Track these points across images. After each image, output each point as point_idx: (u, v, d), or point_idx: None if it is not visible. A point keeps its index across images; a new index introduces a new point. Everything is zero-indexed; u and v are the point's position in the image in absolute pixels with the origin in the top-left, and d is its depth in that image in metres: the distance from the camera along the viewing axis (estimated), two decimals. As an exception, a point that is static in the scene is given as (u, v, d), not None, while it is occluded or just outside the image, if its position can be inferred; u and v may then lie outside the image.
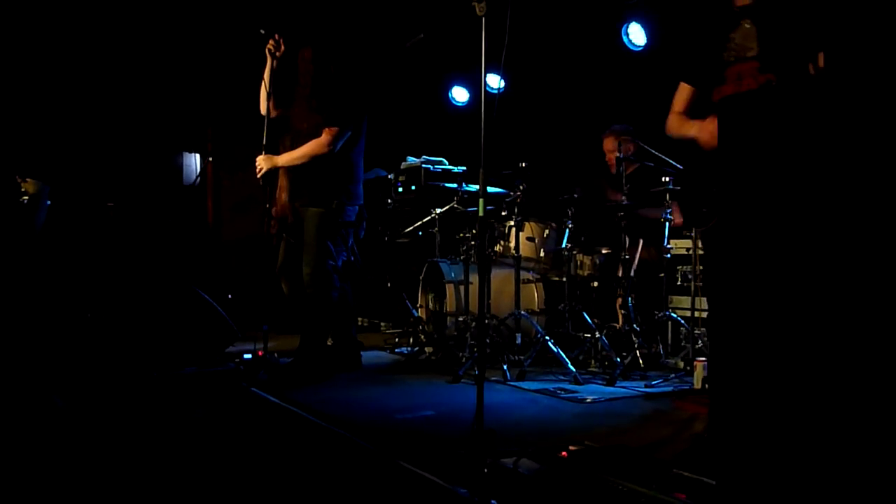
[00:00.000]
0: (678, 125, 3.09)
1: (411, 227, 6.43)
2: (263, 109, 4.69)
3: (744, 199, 2.30)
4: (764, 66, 2.78)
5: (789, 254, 2.09)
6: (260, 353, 4.58)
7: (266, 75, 4.61)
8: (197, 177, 8.30)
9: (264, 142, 4.55)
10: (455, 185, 5.67)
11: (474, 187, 5.46)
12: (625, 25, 5.73)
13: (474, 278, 5.20)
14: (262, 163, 4.58)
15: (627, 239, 4.83)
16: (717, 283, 2.49)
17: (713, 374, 2.38)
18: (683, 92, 3.13)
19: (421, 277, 5.92)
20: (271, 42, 4.56)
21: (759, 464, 2.00)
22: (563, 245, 5.03)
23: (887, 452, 1.74)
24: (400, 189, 6.91)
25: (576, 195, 5.06)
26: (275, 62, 4.59)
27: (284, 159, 4.56)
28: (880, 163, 1.95)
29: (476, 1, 2.72)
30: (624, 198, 4.77)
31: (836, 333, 1.91)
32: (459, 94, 7.78)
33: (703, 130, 2.93)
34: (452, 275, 5.49)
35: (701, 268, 4.69)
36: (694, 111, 3.10)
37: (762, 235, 2.21)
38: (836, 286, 1.92)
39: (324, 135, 4.49)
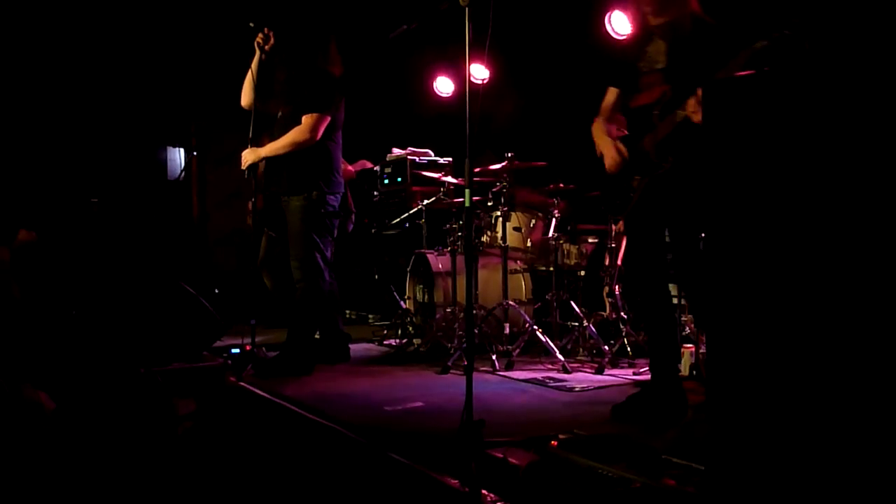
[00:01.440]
0: (599, 135, 3.42)
1: (398, 219, 6.42)
2: (244, 101, 4.68)
3: (734, 189, 2.31)
4: (668, 78, 3.12)
5: (782, 244, 2.10)
6: (248, 348, 4.57)
7: (253, 68, 4.58)
8: (181, 171, 8.25)
9: (250, 135, 4.53)
10: (441, 176, 5.66)
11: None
12: (609, 15, 5.72)
13: (462, 269, 5.21)
14: (247, 156, 4.56)
15: (614, 228, 4.85)
16: (710, 274, 2.52)
17: (711, 360, 2.40)
18: (611, 96, 3.45)
19: (408, 269, 5.92)
20: (260, 35, 4.54)
21: (750, 450, 2.02)
22: (550, 234, 5.04)
23: (879, 446, 1.76)
24: (386, 181, 6.90)
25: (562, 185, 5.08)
26: (263, 56, 4.57)
27: (267, 150, 4.55)
28: (869, 152, 1.97)
29: (460, -9, 2.72)
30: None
31: (831, 326, 1.92)
32: (444, 85, 7.76)
33: (607, 157, 3.33)
34: (440, 266, 5.49)
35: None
36: (614, 114, 3.45)
37: (754, 225, 2.22)
38: (831, 278, 1.93)
39: (303, 121, 4.46)
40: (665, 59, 3.16)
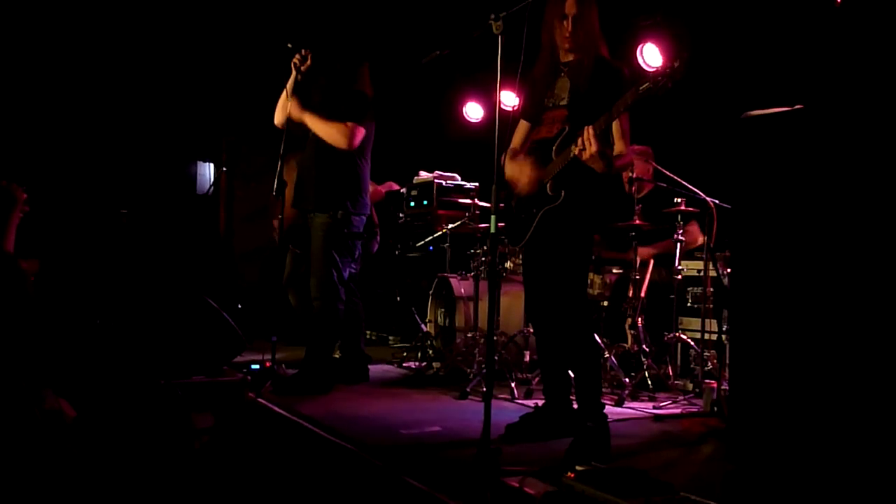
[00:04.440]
0: (509, 164, 3.46)
1: (422, 242, 6.43)
2: (278, 120, 4.71)
3: (769, 216, 2.31)
4: (569, 115, 3.25)
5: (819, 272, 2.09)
6: (268, 364, 4.58)
7: (289, 88, 4.61)
8: (210, 186, 8.34)
9: (281, 153, 4.55)
10: (467, 201, 5.67)
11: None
12: (640, 46, 5.73)
13: (484, 294, 5.20)
14: (293, 108, 4.55)
15: (638, 259, 4.82)
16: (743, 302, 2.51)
17: (733, 398, 2.39)
18: (521, 129, 3.56)
19: (431, 292, 5.92)
20: (297, 56, 4.58)
21: (770, 490, 1.99)
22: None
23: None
24: (412, 203, 6.92)
25: None
26: (299, 76, 4.60)
27: (311, 118, 4.52)
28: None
29: (493, 20, 2.75)
30: (637, 218, 4.77)
31: (864, 369, 1.89)
32: (474, 111, 7.80)
33: (522, 179, 3.35)
34: (462, 290, 5.48)
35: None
36: (524, 146, 3.51)
37: (790, 254, 2.21)
38: (871, 320, 1.91)
39: (344, 126, 4.47)
40: (567, 97, 3.31)
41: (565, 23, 3.27)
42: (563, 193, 3.21)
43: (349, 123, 4.47)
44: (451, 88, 7.85)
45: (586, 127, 2.99)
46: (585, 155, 2.99)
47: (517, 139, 3.56)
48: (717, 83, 5.06)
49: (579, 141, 3.00)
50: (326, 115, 4.55)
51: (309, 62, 4.58)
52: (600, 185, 3.28)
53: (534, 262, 3.49)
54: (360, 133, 4.51)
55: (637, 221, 4.75)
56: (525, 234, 3.35)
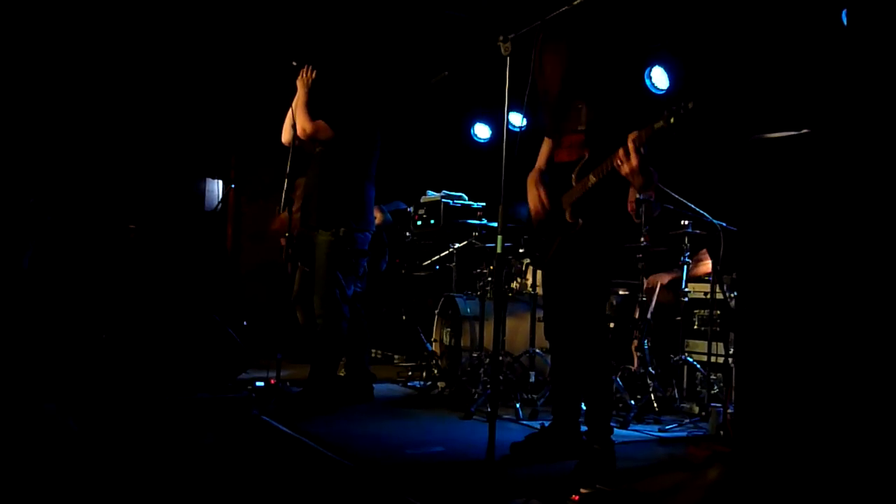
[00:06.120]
0: (530, 186, 3.46)
1: (429, 261, 6.44)
2: (285, 138, 4.75)
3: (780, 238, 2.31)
4: (588, 140, 3.21)
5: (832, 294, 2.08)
6: (272, 382, 4.58)
7: (294, 104, 4.65)
8: (218, 203, 8.38)
9: (287, 171, 4.58)
10: (474, 221, 5.68)
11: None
12: (648, 69, 5.75)
13: (490, 314, 5.20)
14: (300, 81, 4.67)
15: (645, 281, 4.81)
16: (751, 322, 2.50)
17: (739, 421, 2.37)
18: (546, 147, 3.53)
19: (436, 311, 5.91)
20: (302, 74, 4.63)
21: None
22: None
23: None
24: (419, 223, 6.94)
25: None
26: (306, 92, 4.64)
27: (297, 100, 4.65)
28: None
29: (502, 41, 2.77)
30: (643, 240, 4.76)
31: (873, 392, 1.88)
32: (482, 131, 7.84)
33: (531, 208, 3.42)
34: (468, 310, 5.48)
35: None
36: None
37: (802, 278, 2.21)
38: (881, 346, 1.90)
39: (310, 122, 4.57)
40: (584, 122, 3.25)
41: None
42: (580, 222, 3.19)
43: (316, 122, 4.56)
44: (459, 108, 7.88)
45: (628, 135, 2.90)
46: (625, 169, 2.90)
47: (542, 158, 3.52)
48: (722, 106, 5.06)
49: (620, 153, 2.91)
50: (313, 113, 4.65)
51: (313, 75, 4.62)
52: (620, 212, 3.27)
53: (554, 284, 3.45)
54: (325, 130, 4.58)
55: (644, 243, 4.75)
56: (546, 257, 3.35)
